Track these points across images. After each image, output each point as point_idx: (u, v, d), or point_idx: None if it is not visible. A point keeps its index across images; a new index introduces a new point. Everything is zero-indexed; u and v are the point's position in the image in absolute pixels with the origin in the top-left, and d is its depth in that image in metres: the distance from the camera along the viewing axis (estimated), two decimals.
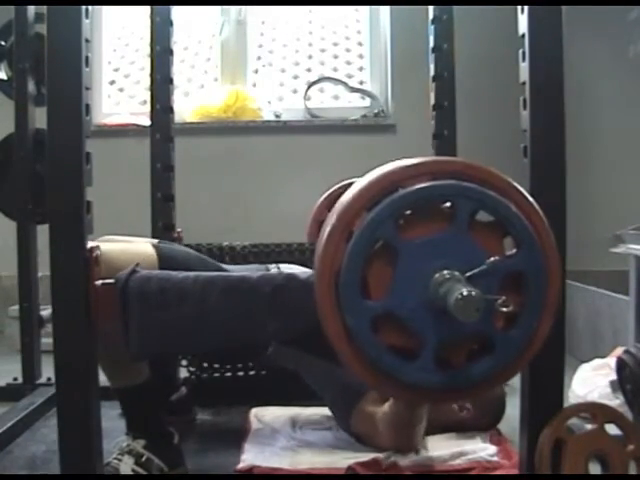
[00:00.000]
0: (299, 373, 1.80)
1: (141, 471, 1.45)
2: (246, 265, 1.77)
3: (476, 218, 1.08)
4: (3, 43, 2.29)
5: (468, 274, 1.03)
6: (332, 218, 1.08)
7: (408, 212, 1.07)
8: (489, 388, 1.12)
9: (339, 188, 2.20)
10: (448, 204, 1.07)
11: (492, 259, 1.03)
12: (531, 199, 1.09)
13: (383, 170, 1.08)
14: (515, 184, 1.10)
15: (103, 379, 1.34)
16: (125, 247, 1.44)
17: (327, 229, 1.07)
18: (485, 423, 1.72)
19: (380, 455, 1.51)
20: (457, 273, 1.03)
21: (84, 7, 1.18)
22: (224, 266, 1.58)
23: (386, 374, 1.06)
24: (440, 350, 1.06)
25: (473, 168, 1.08)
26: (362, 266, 1.04)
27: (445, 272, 1.03)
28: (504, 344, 1.07)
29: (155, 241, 1.62)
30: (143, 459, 1.45)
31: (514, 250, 1.07)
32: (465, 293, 0.98)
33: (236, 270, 1.55)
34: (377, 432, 1.60)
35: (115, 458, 1.45)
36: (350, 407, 1.66)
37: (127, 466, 1.44)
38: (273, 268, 1.63)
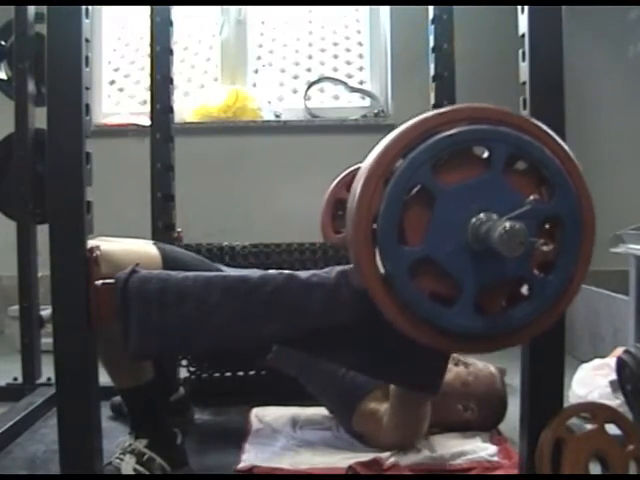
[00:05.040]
0: (299, 379, 1.80)
1: (143, 470, 1.45)
2: (247, 270, 1.77)
3: (515, 166, 1.08)
4: (3, 43, 2.29)
5: (506, 217, 1.02)
6: (369, 164, 1.07)
7: (444, 157, 1.06)
8: (527, 336, 1.11)
9: (356, 169, 2.19)
10: (484, 151, 1.07)
11: (530, 201, 1.03)
12: (565, 146, 1.09)
13: (419, 117, 1.08)
14: (549, 131, 1.09)
15: (103, 379, 1.34)
16: (129, 247, 1.44)
17: (363, 175, 1.07)
18: (488, 423, 1.73)
19: (380, 455, 1.51)
20: (495, 216, 1.02)
21: (84, 7, 1.18)
22: (226, 269, 1.58)
23: (424, 320, 1.06)
24: (478, 295, 1.06)
25: (508, 114, 1.08)
26: (400, 211, 1.04)
27: (482, 215, 1.03)
28: (542, 289, 1.07)
29: (151, 242, 1.62)
30: (145, 458, 1.45)
31: (550, 196, 1.07)
32: (508, 226, 0.98)
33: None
34: (380, 430, 1.60)
35: (117, 457, 1.45)
36: (352, 407, 1.66)
37: (129, 465, 1.44)
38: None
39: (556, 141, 1.09)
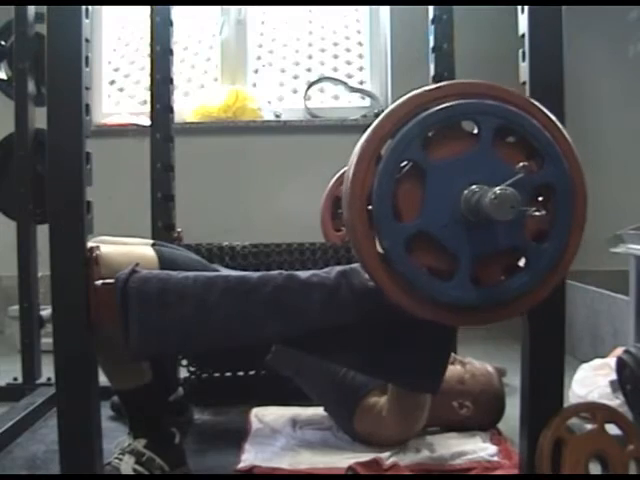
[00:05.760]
0: (295, 380, 1.80)
1: (142, 470, 1.45)
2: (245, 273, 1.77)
3: (504, 139, 1.09)
4: (3, 43, 2.29)
5: (497, 188, 1.03)
6: (360, 144, 1.09)
7: (434, 133, 1.08)
8: (524, 307, 1.13)
9: None
10: (473, 124, 1.09)
11: (520, 171, 1.05)
12: (552, 115, 1.10)
13: (408, 95, 1.09)
14: (537, 103, 1.11)
15: (103, 379, 1.34)
16: (125, 249, 1.44)
17: (355, 154, 1.08)
18: (485, 422, 1.73)
19: (380, 455, 1.51)
20: (486, 187, 1.04)
21: (84, 7, 1.18)
22: (222, 270, 1.58)
23: (422, 295, 1.08)
24: (475, 267, 1.07)
25: (496, 88, 1.10)
26: (393, 188, 1.06)
27: (474, 187, 1.04)
28: (537, 258, 1.08)
29: (150, 242, 1.62)
30: (144, 458, 1.45)
31: (540, 165, 1.08)
32: (499, 191, 1.00)
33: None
34: (381, 423, 1.60)
35: (116, 457, 1.45)
36: (353, 407, 1.66)
37: (128, 465, 1.44)
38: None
39: (544, 112, 1.10)
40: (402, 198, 1.07)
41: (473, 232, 1.06)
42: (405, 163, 1.08)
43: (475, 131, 1.09)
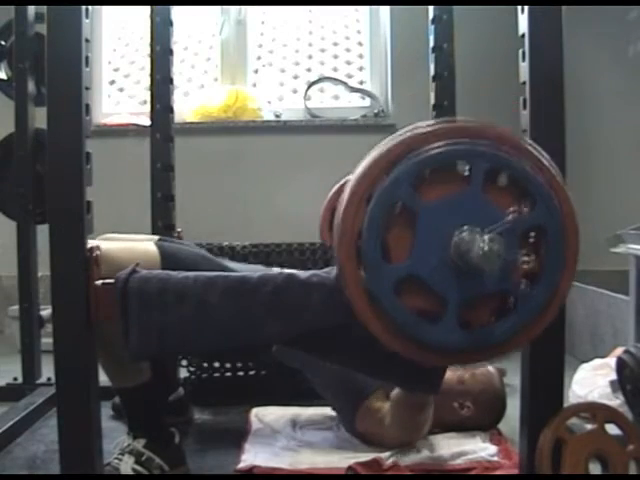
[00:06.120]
0: (304, 373, 1.80)
1: (142, 470, 1.45)
2: (250, 265, 1.77)
3: (495, 181, 1.09)
4: (3, 43, 2.29)
5: (487, 230, 1.03)
6: (352, 183, 1.08)
7: (425, 174, 1.07)
8: (512, 348, 1.12)
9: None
10: (465, 166, 1.08)
11: (511, 215, 1.05)
12: (545, 157, 1.10)
13: (399, 136, 1.10)
14: (529, 142, 1.11)
15: (103, 379, 1.34)
16: (127, 246, 1.43)
17: (347, 193, 1.08)
18: (486, 422, 1.73)
19: (380, 455, 1.51)
20: (477, 229, 1.03)
21: (84, 7, 1.18)
22: (229, 265, 1.58)
23: (410, 337, 1.07)
24: (463, 310, 1.06)
25: (487, 129, 1.09)
26: (382, 230, 1.06)
27: (465, 228, 1.04)
28: (526, 301, 1.07)
29: (156, 238, 1.62)
30: (143, 458, 1.45)
31: (531, 207, 1.07)
32: (487, 240, 1.00)
33: (240, 269, 1.54)
34: (383, 428, 1.60)
35: (116, 458, 1.45)
36: (356, 406, 1.66)
37: (127, 465, 1.44)
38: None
39: (536, 153, 1.10)
40: (392, 239, 1.07)
41: (462, 275, 1.05)
42: (395, 203, 1.07)
43: (466, 173, 1.08)
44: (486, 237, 1.00)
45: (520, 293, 1.07)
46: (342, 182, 2.25)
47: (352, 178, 1.10)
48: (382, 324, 1.07)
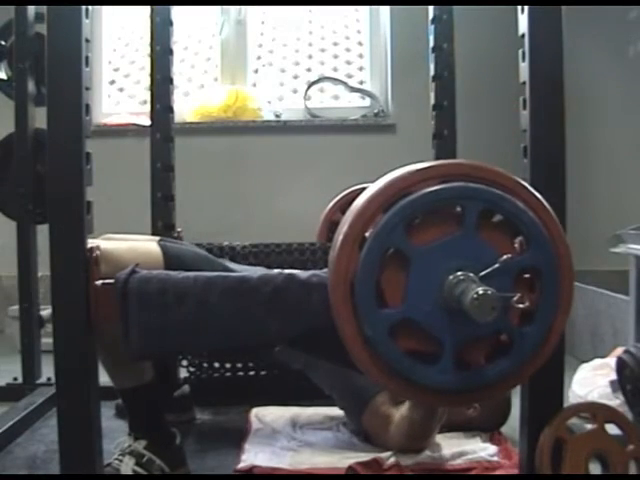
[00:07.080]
0: (305, 373, 1.80)
1: (142, 472, 1.44)
2: (251, 267, 1.77)
3: (489, 220, 1.08)
4: (3, 43, 2.29)
5: (482, 274, 1.03)
6: (344, 227, 1.08)
7: (418, 217, 1.07)
8: (508, 387, 1.13)
9: (351, 192, 2.22)
10: (457, 207, 1.08)
11: (504, 257, 1.04)
12: (539, 196, 1.09)
13: (391, 177, 1.09)
14: (522, 182, 1.10)
15: (103, 379, 1.34)
16: (131, 245, 1.43)
17: (339, 238, 1.08)
18: (491, 422, 1.73)
19: (381, 455, 1.51)
20: (471, 274, 1.03)
21: (84, 7, 1.18)
22: (231, 265, 1.58)
23: (406, 379, 1.07)
24: (459, 352, 1.06)
25: (480, 169, 1.09)
26: (376, 274, 1.05)
27: (459, 273, 1.04)
28: (521, 342, 1.07)
29: (157, 238, 1.62)
30: (144, 460, 1.45)
31: (526, 247, 1.07)
32: (480, 292, 0.99)
33: (242, 270, 1.54)
34: (387, 433, 1.60)
35: (116, 459, 1.45)
36: (363, 404, 1.66)
37: (128, 467, 1.44)
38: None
39: (530, 192, 1.09)
40: (386, 284, 1.06)
41: (457, 318, 1.04)
42: (389, 249, 1.07)
43: (458, 209, 1.08)
44: (479, 289, 0.99)
45: (515, 334, 1.07)
46: (338, 197, 2.27)
47: (344, 221, 1.09)
48: (378, 367, 1.07)
